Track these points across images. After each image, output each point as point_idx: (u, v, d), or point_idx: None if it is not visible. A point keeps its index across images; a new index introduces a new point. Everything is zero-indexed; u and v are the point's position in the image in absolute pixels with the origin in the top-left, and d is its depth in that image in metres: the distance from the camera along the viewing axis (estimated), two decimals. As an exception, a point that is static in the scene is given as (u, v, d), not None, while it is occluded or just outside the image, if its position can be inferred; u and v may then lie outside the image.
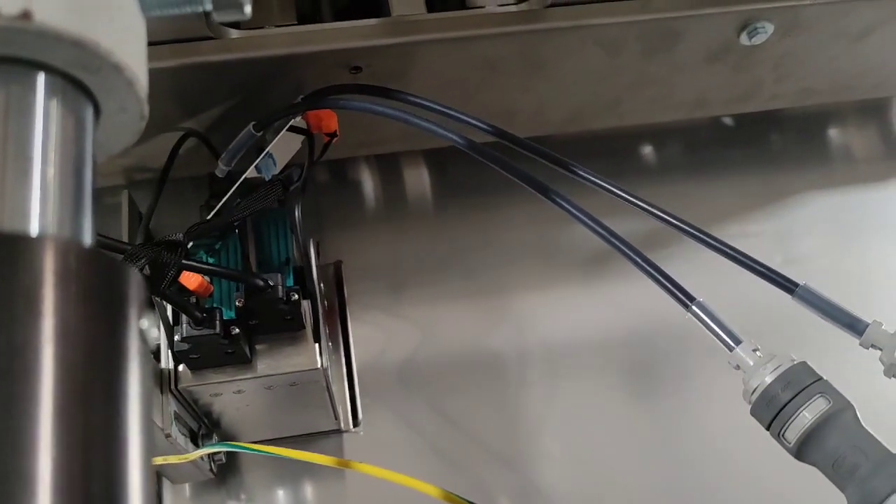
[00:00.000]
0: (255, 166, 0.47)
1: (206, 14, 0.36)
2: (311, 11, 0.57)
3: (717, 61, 0.55)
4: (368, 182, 0.66)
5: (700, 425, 0.59)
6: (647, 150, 0.70)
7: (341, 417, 0.54)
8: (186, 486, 0.54)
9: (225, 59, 0.48)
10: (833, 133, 0.72)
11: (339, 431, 0.56)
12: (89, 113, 0.18)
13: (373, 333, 0.60)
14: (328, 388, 0.48)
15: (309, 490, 0.56)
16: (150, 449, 0.16)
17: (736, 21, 0.52)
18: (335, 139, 0.49)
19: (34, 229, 0.16)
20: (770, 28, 0.53)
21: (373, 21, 0.50)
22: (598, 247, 0.63)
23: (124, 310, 0.16)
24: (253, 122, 0.48)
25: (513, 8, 0.51)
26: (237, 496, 0.55)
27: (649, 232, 0.47)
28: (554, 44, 0.52)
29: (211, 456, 0.51)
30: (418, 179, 0.66)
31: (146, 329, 0.16)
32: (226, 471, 0.55)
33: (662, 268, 0.34)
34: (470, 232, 0.64)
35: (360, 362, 0.58)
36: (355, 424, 0.56)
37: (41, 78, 0.17)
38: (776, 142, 0.71)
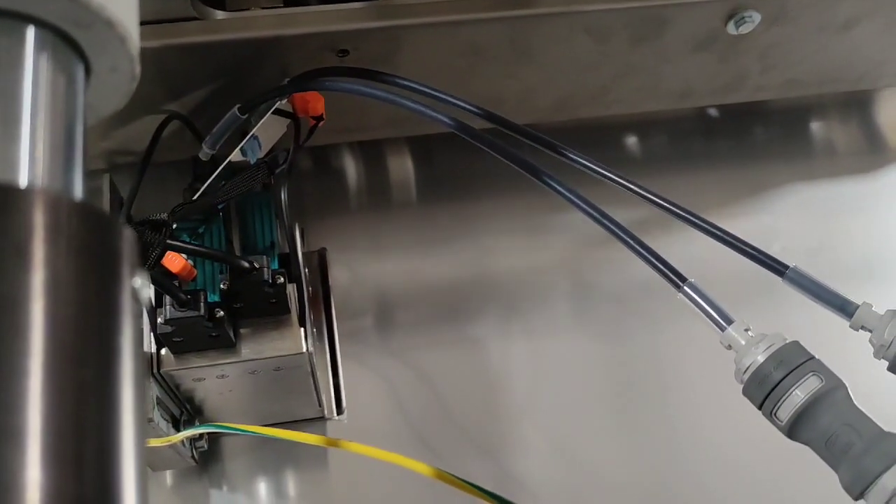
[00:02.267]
0: (241, 149, 0.46)
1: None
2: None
3: (703, 51, 0.55)
4: (352, 170, 0.65)
5: (684, 419, 0.59)
6: (633, 140, 0.70)
7: (325, 405, 0.54)
8: (167, 473, 0.53)
9: (209, 40, 0.48)
10: (816, 127, 0.72)
11: (322, 419, 0.55)
12: (80, 71, 0.18)
13: (357, 323, 0.59)
14: (313, 374, 0.47)
15: (291, 479, 0.56)
16: (142, 408, 0.15)
17: (723, 10, 0.52)
18: (321, 123, 0.49)
19: (23, 181, 0.15)
20: (757, 17, 0.53)
21: (360, 4, 0.50)
22: (583, 236, 0.65)
23: (116, 266, 0.15)
24: (238, 105, 0.48)
25: (501, -7, 0.51)
26: (219, 485, 0.54)
27: (639, 219, 0.47)
28: (542, 30, 0.51)
29: (192, 442, 0.50)
30: (403, 168, 0.65)
31: (139, 287, 0.16)
32: (207, 458, 0.54)
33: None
34: (454, 221, 0.63)
35: (345, 351, 0.58)
36: (339, 412, 0.55)
37: (31, 32, 0.17)
38: (760, 134, 0.71)
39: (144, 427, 0.15)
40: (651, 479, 0.57)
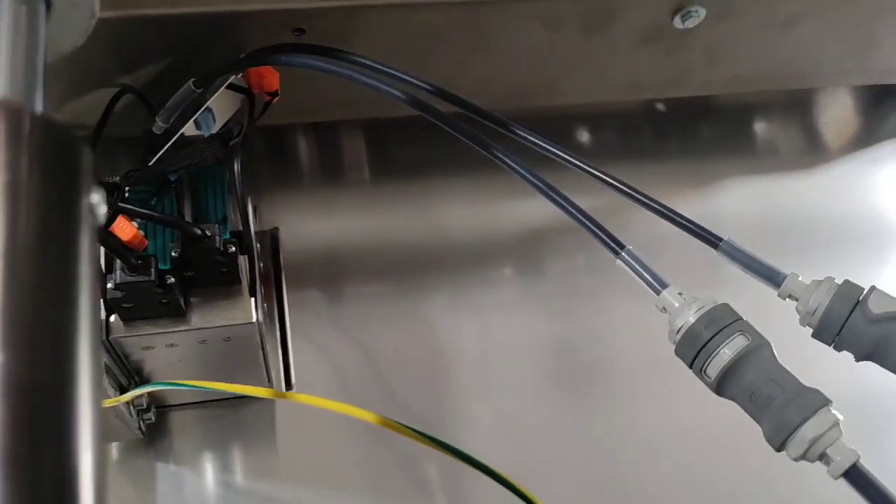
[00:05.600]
0: (195, 121, 0.47)
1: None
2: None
3: (651, 44, 0.57)
4: (306, 151, 0.66)
5: (627, 397, 0.61)
6: (584, 133, 0.71)
7: (274, 380, 0.54)
8: (113, 446, 0.53)
9: (166, 13, 0.48)
10: (759, 126, 0.75)
11: (271, 394, 0.56)
12: (41, 5, 0.18)
13: (308, 301, 0.60)
14: (262, 346, 0.48)
15: (238, 454, 0.56)
16: (97, 307, 0.16)
17: (670, 4, 0.54)
18: (276, 99, 0.49)
19: (-17, 93, 0.16)
20: (702, 12, 0.55)
21: (318, -17, 0.50)
22: (532, 220, 0.66)
23: (76, 177, 0.16)
24: (193, 79, 0.48)
25: (457, -22, 0.52)
26: (165, 459, 0.54)
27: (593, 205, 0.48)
28: (496, 16, 0.53)
29: (140, 414, 0.50)
30: (356, 150, 0.66)
31: (96, 203, 0.17)
32: (154, 432, 0.54)
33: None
34: (406, 202, 0.65)
35: (295, 329, 0.58)
36: (288, 388, 0.56)
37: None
38: (706, 131, 0.73)
39: (98, 323, 0.16)
40: (595, 455, 0.59)
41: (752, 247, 0.67)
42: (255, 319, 0.45)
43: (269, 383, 0.54)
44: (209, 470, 0.55)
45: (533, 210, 0.65)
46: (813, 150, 0.74)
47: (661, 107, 0.71)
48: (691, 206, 0.70)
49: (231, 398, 0.55)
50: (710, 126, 0.73)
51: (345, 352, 0.60)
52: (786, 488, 0.57)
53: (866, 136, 0.75)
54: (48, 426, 0.14)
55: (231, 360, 0.49)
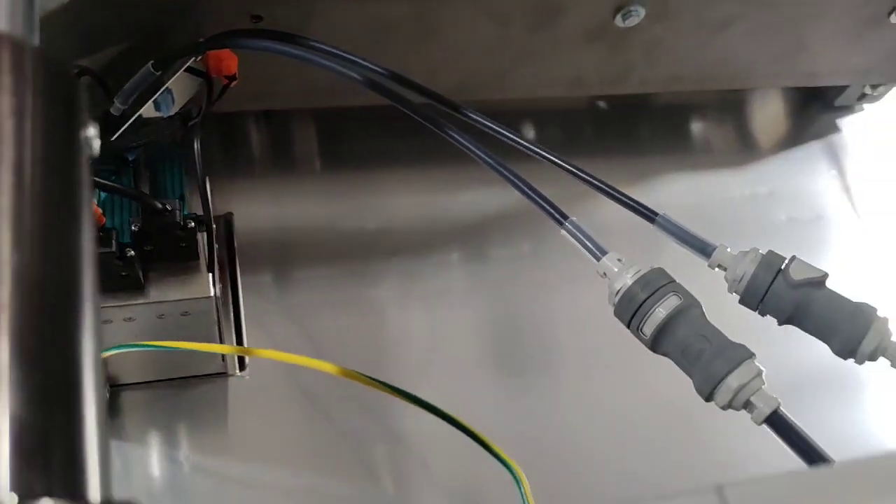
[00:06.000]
0: (154, 102, 0.48)
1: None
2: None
3: (593, 41, 0.60)
4: (258, 141, 0.67)
5: (570, 380, 0.63)
6: (529, 128, 0.74)
7: (228, 360, 0.55)
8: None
9: (127, -4, 0.49)
10: (695, 125, 0.78)
11: (224, 375, 0.57)
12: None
13: (260, 284, 0.61)
14: (219, 323, 0.49)
15: (188, 433, 0.57)
16: (93, 220, 0.17)
17: (612, 3, 0.57)
18: (234, 83, 0.51)
19: (-10, 28, 0.17)
20: (642, 12, 0.58)
21: (275, -28, 0.52)
22: (479, 209, 0.68)
23: (75, 109, 0.17)
24: (152, 61, 0.49)
25: (410, -28, 0.54)
26: (116, 437, 0.55)
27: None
28: (446, 10, 0.55)
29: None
30: (308, 139, 0.68)
31: (91, 136, 0.18)
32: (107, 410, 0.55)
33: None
34: (356, 191, 0.66)
35: (248, 312, 0.59)
36: (241, 368, 0.57)
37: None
38: (645, 130, 0.77)
39: (94, 233, 0.17)
40: (538, 435, 0.61)
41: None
42: (212, 294, 0.46)
43: (223, 363, 0.56)
44: (160, 448, 0.56)
45: (480, 199, 0.67)
46: (745, 149, 0.78)
47: (602, 104, 0.74)
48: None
49: (183, 378, 0.56)
50: (648, 124, 0.77)
51: (294, 336, 0.61)
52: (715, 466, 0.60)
53: (795, 137, 0.79)
54: (57, 317, 0.15)
55: (188, 335, 0.50)
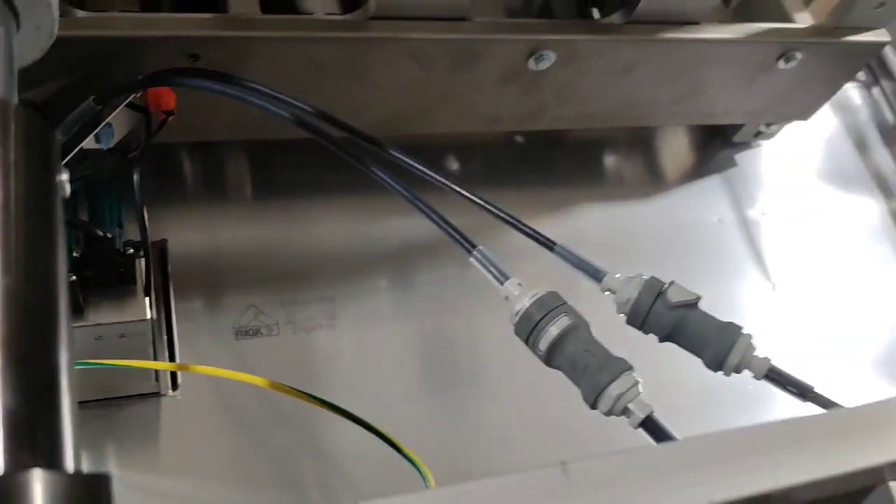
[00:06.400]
0: (95, 135, 0.51)
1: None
2: (154, 2, 0.61)
3: (509, 83, 0.65)
4: (191, 170, 0.70)
5: (490, 398, 0.67)
6: (453, 161, 0.79)
7: (161, 380, 0.58)
8: None
9: (69, 34, 0.51)
10: (608, 158, 0.84)
11: (157, 394, 0.59)
12: (13, 26, 0.23)
13: (192, 308, 0.64)
14: (154, 344, 0.52)
15: (119, 451, 0.58)
16: (65, 254, 0.21)
17: (525, 48, 0.62)
18: (171, 117, 0.54)
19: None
20: (552, 56, 0.63)
21: (210, 15, 0.55)
22: (404, 237, 0.72)
23: (51, 158, 0.21)
24: (93, 96, 0.52)
25: (338, 17, 0.58)
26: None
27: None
28: (373, 53, 0.59)
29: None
30: (240, 170, 0.71)
31: (64, 180, 0.21)
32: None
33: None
34: (286, 219, 0.70)
35: (182, 336, 0.62)
36: (174, 388, 0.59)
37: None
38: (561, 163, 0.82)
39: (66, 260, 0.21)
40: (464, 450, 0.65)
41: (603, 262, 0.76)
42: (148, 317, 0.49)
43: (157, 383, 0.58)
44: (90, 465, 0.57)
45: (406, 226, 0.71)
46: (653, 181, 0.84)
47: (520, 139, 0.79)
48: (549, 228, 0.78)
49: (117, 398, 0.59)
50: (564, 158, 0.82)
51: (225, 359, 0.64)
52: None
53: (698, 170, 0.85)
54: (39, 330, 0.19)
55: (124, 356, 0.52)
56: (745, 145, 0.86)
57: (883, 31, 0.73)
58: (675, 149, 0.86)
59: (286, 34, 0.56)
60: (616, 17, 0.64)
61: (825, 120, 0.92)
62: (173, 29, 0.54)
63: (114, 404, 0.59)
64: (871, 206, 0.89)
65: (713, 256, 0.80)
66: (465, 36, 0.60)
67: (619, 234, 0.79)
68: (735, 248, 0.81)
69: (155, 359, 0.55)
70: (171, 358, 0.61)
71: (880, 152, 0.92)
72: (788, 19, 0.71)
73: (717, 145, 0.86)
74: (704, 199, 0.83)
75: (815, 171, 0.89)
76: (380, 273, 0.71)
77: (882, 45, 0.73)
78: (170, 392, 0.60)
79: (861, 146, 0.92)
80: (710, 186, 0.84)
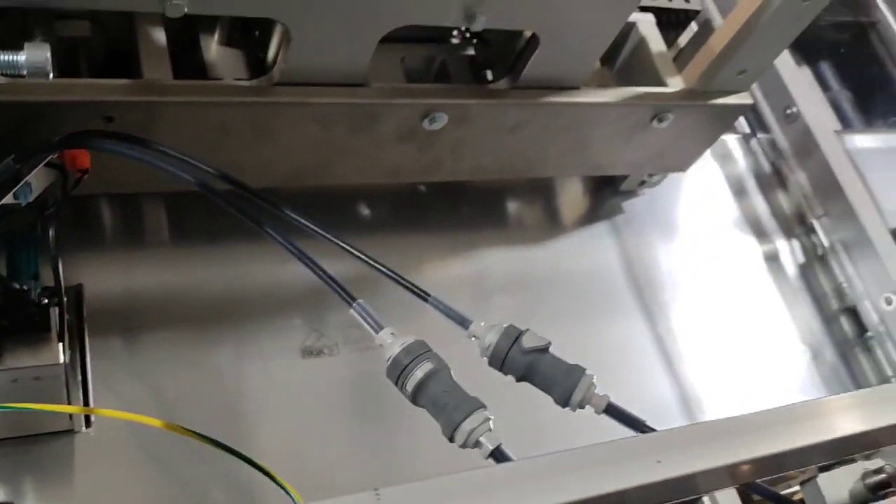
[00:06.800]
0: (14, 193, 0.55)
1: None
2: (71, 68, 0.66)
3: (406, 141, 0.71)
4: (109, 218, 0.74)
5: (399, 429, 0.72)
6: (364, 208, 0.84)
7: (74, 418, 0.62)
8: None
9: (-7, 100, 0.56)
10: (510, 204, 0.91)
11: (71, 432, 0.63)
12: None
13: (108, 349, 0.68)
14: (67, 386, 0.56)
15: (32, 488, 0.62)
16: None
17: (419, 111, 0.68)
18: (86, 175, 0.58)
19: None
20: (445, 118, 0.69)
21: (124, 81, 0.60)
22: (314, 283, 0.77)
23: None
24: (13, 155, 0.56)
25: (245, 83, 0.64)
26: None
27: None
28: (278, 115, 0.64)
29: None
30: (157, 218, 0.75)
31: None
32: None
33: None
34: (203, 266, 0.74)
35: (96, 375, 0.66)
36: (87, 425, 0.63)
37: None
38: (465, 209, 0.88)
39: None
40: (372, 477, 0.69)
41: (505, 300, 0.83)
42: (61, 361, 0.53)
43: (70, 421, 0.62)
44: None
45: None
46: (551, 226, 0.91)
47: (422, 188, 0.85)
48: (456, 270, 0.84)
49: (31, 435, 0.62)
50: (468, 205, 0.89)
51: (141, 398, 0.67)
52: None
53: (590, 216, 0.93)
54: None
55: (38, 398, 0.56)
56: (631, 193, 0.93)
57: (746, 94, 0.81)
58: (570, 196, 0.94)
59: (196, 98, 0.61)
60: (503, 83, 0.71)
61: (708, 169, 1.01)
62: (89, 94, 0.58)
63: (30, 441, 0.62)
64: (747, 248, 0.98)
65: (602, 296, 0.88)
66: (363, 101, 0.65)
67: (520, 276, 0.86)
68: (621, 289, 0.88)
69: (69, 399, 0.59)
70: (86, 398, 0.65)
71: (756, 199, 1.01)
72: (662, 83, 0.79)
73: (606, 193, 0.94)
74: (594, 243, 0.91)
75: (696, 216, 0.97)
76: (293, 313, 0.75)
77: (745, 107, 0.81)
78: (83, 429, 0.63)
79: (739, 193, 1.01)
80: (600, 231, 0.91)
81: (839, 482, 0.50)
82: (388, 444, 0.71)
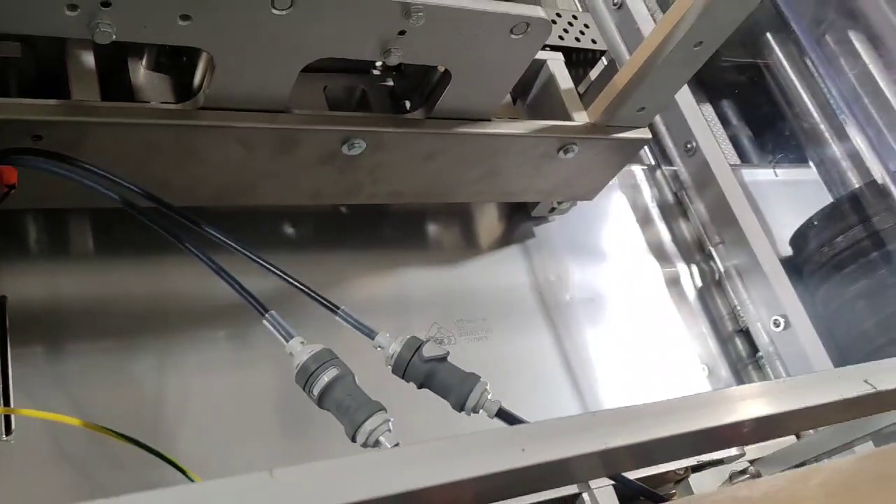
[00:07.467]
0: (-60, 207, 0.57)
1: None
2: (1, 87, 0.68)
3: (326, 165, 0.75)
4: (34, 231, 0.76)
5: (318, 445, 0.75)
6: (288, 227, 0.88)
7: (-4, 425, 0.64)
8: None
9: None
10: (429, 226, 0.96)
11: (-9, 439, 0.64)
12: None
13: (31, 359, 0.70)
14: (-12, 393, 0.58)
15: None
16: None
17: (338, 137, 0.72)
18: (14, 191, 0.61)
19: None
20: (363, 144, 0.73)
21: (54, 101, 0.63)
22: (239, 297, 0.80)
23: None
24: (-61, 171, 0.58)
25: (172, 106, 0.67)
26: None
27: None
28: (203, 137, 0.68)
29: None
30: (82, 231, 0.77)
31: None
32: None
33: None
34: (128, 279, 0.76)
35: (17, 383, 0.67)
36: (7, 433, 0.65)
37: None
38: (387, 230, 0.93)
39: None
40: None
41: (427, 315, 0.87)
42: (-16, 369, 0.55)
43: (-9, 426, 0.64)
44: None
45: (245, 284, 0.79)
46: (469, 247, 0.96)
47: (344, 210, 0.89)
48: (378, 287, 0.88)
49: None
50: (389, 226, 0.93)
51: (62, 406, 0.69)
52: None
53: (503, 239, 0.98)
54: None
55: (-41, 404, 0.58)
56: (542, 219, 0.99)
57: (646, 129, 0.88)
58: (486, 220, 0.99)
59: (123, 120, 0.64)
60: (418, 113, 0.76)
61: (616, 197, 1.08)
62: (18, 113, 0.61)
63: (-53, 448, 0.64)
64: (651, 272, 1.04)
65: (513, 314, 0.93)
66: (284, 126, 0.69)
67: (438, 294, 0.91)
68: (531, 308, 0.94)
69: (-11, 407, 0.60)
70: (7, 401, 0.66)
71: (660, 226, 1.08)
72: (568, 117, 0.84)
73: (519, 218, 0.99)
74: (508, 265, 0.96)
75: (603, 242, 1.03)
76: (218, 325, 0.77)
77: (644, 141, 0.88)
78: (3, 437, 0.65)
79: (644, 221, 1.08)
80: (513, 253, 0.97)
81: (709, 481, 0.55)
82: (306, 450, 0.75)
